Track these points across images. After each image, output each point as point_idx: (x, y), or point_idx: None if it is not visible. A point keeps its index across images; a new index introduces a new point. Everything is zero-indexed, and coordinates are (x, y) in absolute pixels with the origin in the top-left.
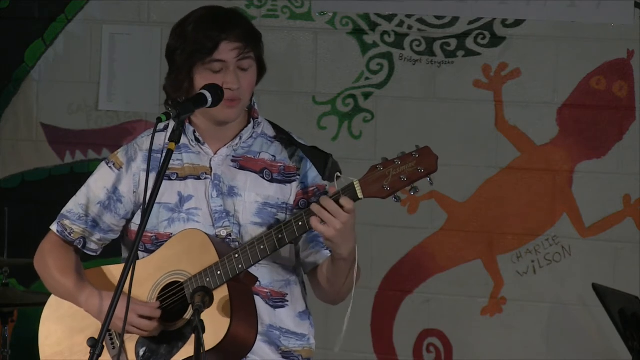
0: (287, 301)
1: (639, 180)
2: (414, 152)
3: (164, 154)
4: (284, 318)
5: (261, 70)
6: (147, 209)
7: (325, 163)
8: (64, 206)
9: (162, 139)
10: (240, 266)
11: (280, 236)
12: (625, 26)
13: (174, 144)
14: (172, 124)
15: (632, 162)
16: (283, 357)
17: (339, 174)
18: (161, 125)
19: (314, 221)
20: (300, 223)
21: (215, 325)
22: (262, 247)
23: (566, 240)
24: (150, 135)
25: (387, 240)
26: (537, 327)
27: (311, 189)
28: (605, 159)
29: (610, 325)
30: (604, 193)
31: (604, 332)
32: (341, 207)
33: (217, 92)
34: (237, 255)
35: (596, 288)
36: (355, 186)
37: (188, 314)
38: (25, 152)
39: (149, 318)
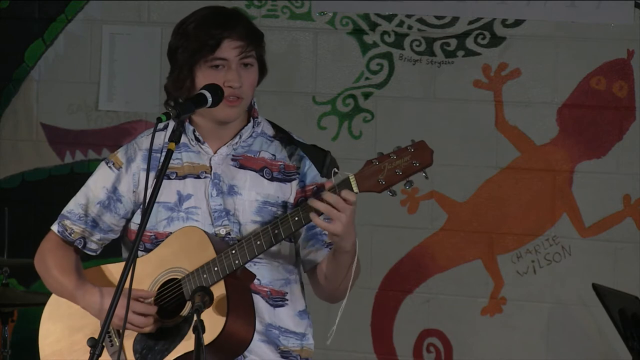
0: (287, 300)
1: (639, 180)
2: (409, 146)
3: (163, 154)
4: (284, 317)
5: (262, 70)
6: (147, 208)
7: (323, 159)
8: (63, 206)
9: (162, 138)
10: (237, 262)
11: (276, 231)
12: (625, 26)
13: (174, 144)
14: (172, 123)
15: (632, 162)
16: (282, 356)
17: (336, 170)
18: (161, 125)
19: (317, 220)
20: (296, 218)
21: (212, 321)
22: (258, 242)
23: (566, 240)
24: (150, 135)
25: (387, 240)
26: (537, 327)
27: (311, 187)
28: (605, 159)
29: (610, 325)
30: (604, 193)
31: (604, 332)
32: (344, 200)
33: (217, 92)
34: (233, 251)
35: (596, 288)
36: (351, 180)
37: (185, 311)
38: (25, 152)
39: (144, 315)
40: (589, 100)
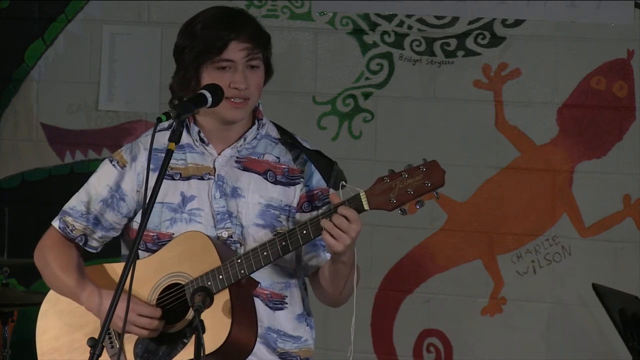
0: (287, 303)
1: (639, 180)
2: (421, 165)
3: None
4: (282, 320)
5: (268, 72)
6: (147, 208)
7: (330, 170)
8: (63, 206)
9: (166, 138)
10: (242, 271)
11: (284, 244)
12: (625, 26)
13: (173, 144)
14: None
15: (632, 162)
16: (280, 357)
17: (344, 183)
18: (165, 124)
19: (325, 235)
20: (304, 232)
21: (216, 329)
22: (265, 253)
23: (566, 240)
24: (155, 134)
25: (387, 240)
26: (537, 327)
27: (315, 192)
28: (605, 159)
29: (610, 325)
30: (604, 193)
31: (604, 332)
32: (345, 217)
33: (217, 92)
34: (239, 261)
35: (596, 288)
36: (362, 197)
37: (188, 316)
38: (25, 152)
39: (150, 317)
40: (589, 100)
